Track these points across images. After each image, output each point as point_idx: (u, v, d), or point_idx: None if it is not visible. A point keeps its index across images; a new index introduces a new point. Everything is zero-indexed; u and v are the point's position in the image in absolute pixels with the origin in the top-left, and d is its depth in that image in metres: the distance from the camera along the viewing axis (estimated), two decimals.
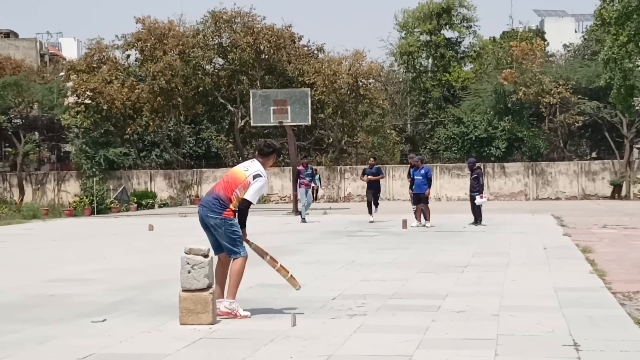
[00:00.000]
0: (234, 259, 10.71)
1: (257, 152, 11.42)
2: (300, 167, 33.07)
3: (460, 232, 24.95)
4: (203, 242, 10.84)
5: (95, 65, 59.99)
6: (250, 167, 11.04)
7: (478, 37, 72.40)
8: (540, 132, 60.62)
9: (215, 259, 10.79)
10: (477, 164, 30.19)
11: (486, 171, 55.38)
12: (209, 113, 63.46)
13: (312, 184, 33.92)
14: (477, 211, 28.37)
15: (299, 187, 32.74)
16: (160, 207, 54.24)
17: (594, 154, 65.20)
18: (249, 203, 10.93)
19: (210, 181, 59.17)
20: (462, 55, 72.31)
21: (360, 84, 59.36)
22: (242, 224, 10.94)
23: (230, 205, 10.79)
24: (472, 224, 28.20)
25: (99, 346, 9.04)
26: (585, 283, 13.34)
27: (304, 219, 32.05)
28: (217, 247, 10.91)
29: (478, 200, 28.25)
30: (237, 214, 10.85)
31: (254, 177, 10.88)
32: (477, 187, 28.55)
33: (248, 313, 10.67)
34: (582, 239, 21.50)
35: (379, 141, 62.24)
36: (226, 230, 10.70)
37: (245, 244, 10.98)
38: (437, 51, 70.10)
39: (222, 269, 10.95)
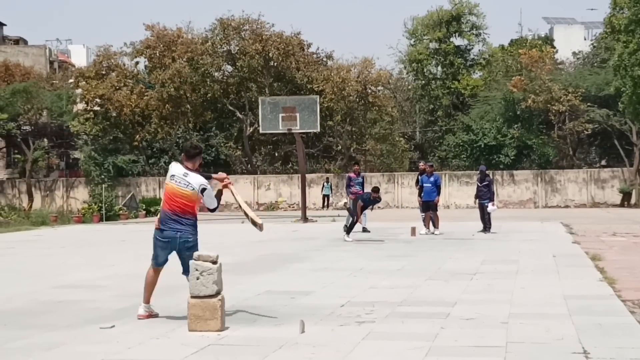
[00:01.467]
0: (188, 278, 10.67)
1: (184, 155, 11.51)
2: (352, 174, 29.86)
3: (469, 240, 24.91)
4: (212, 249, 10.84)
5: (104, 72, 60.13)
6: (190, 181, 11.16)
7: (487, 45, 72.40)
8: (549, 139, 60.52)
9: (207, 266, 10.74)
10: (488, 172, 30.17)
11: (495, 179, 55.26)
12: (218, 120, 63.51)
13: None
14: (486, 219, 28.33)
15: (349, 197, 28.99)
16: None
17: (603, 162, 65.05)
18: (215, 208, 11.72)
19: (220, 188, 59.17)
20: (471, 62, 72.31)
21: (369, 91, 59.37)
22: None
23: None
24: (481, 231, 28.16)
25: (108, 352, 9.04)
26: (594, 291, 13.30)
27: (346, 226, 27.96)
28: (164, 261, 11.26)
29: (490, 208, 28.22)
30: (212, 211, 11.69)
31: (202, 191, 11.29)
32: (488, 195, 28.52)
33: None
34: (592, 247, 21.44)
35: (388, 149, 62.22)
36: (194, 251, 10.81)
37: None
38: (447, 59, 70.11)
39: (156, 279, 11.30)
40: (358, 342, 9.40)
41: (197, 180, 11.15)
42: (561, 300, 12.23)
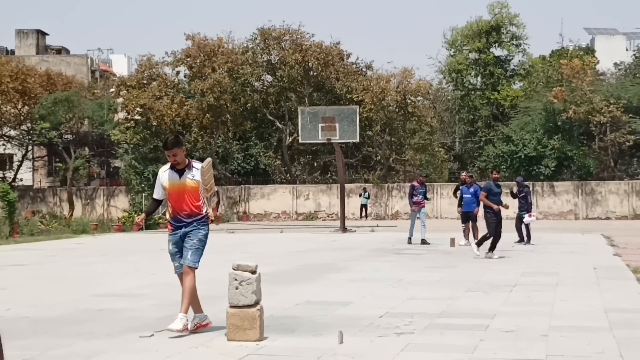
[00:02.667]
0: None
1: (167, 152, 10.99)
2: (415, 183, 29.22)
3: (508, 251, 24.77)
4: (251, 258, 10.86)
5: (145, 82, 60.50)
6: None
7: (527, 55, 72.10)
8: (590, 151, 60.13)
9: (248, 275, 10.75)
10: (526, 183, 30.03)
11: (535, 190, 55.04)
12: (257, 130, 63.74)
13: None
14: (526, 230, 28.21)
15: (412, 206, 28.87)
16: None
17: None
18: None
19: (258, 198, 59.40)
20: (511, 73, 72.03)
21: (409, 101, 59.36)
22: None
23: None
24: (518, 242, 28.08)
25: None
26: (636, 304, 13.18)
27: (409, 239, 28.75)
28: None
29: (527, 219, 28.08)
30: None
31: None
32: (525, 206, 28.42)
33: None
34: (633, 260, 21.24)
35: (427, 159, 62.12)
36: (196, 238, 10.95)
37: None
38: (486, 69, 69.91)
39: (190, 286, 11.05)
40: (397, 353, 9.38)
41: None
42: (602, 313, 12.13)
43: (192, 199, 10.78)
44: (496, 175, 23.85)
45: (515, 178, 33.42)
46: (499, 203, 22.67)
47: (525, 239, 28.26)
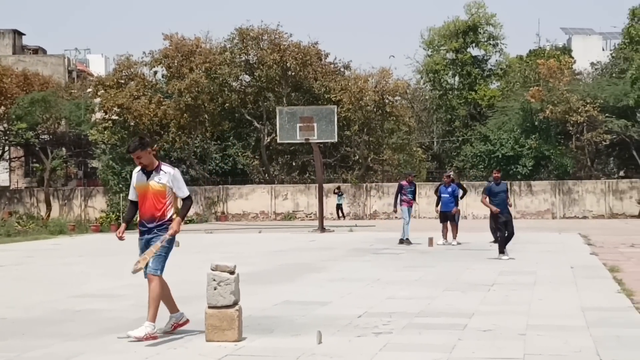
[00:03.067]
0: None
1: (134, 154, 10.87)
2: (404, 182, 29.05)
3: (486, 251, 24.85)
4: (229, 258, 10.85)
5: (123, 82, 60.25)
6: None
7: (505, 55, 72.35)
8: (567, 150, 60.39)
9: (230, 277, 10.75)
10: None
11: (513, 189, 55.21)
12: (235, 130, 63.63)
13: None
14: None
15: (400, 205, 28.59)
16: (186, 223, 54.18)
17: (621, 173, 64.89)
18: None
19: (236, 198, 59.32)
20: (488, 73, 72.22)
21: (387, 101, 59.37)
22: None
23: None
24: (493, 242, 28.25)
25: None
26: (613, 303, 13.26)
27: (407, 239, 28.30)
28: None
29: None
30: None
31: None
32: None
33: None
34: (610, 258, 21.37)
35: (405, 159, 62.20)
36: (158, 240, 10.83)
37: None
38: (464, 69, 70.10)
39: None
40: (375, 353, 9.40)
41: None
42: (579, 312, 12.21)
43: (155, 203, 10.64)
44: (497, 175, 23.13)
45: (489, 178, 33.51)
46: (503, 202, 22.26)
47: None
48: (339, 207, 57.40)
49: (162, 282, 10.70)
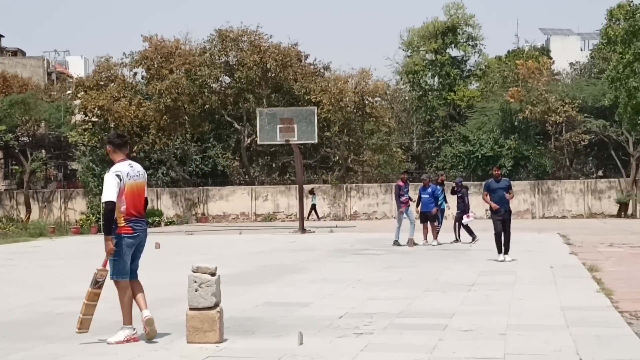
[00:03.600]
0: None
1: (111, 148, 11.05)
2: (400, 183, 28.24)
3: (466, 251, 24.94)
4: (210, 260, 10.86)
5: (103, 83, 60.06)
6: (139, 170, 10.83)
7: (484, 56, 72.50)
8: (546, 150, 60.62)
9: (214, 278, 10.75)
10: (463, 184, 30.27)
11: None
12: (216, 131, 63.52)
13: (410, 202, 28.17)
14: (467, 230, 28.38)
15: (399, 208, 27.79)
16: (166, 225, 54.15)
17: (600, 173, 65.18)
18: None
19: (217, 199, 59.25)
20: (467, 73, 72.31)
21: (366, 102, 59.41)
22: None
23: None
24: (454, 242, 28.54)
25: None
26: (592, 302, 13.34)
27: (397, 241, 27.56)
28: (133, 271, 10.75)
29: (465, 220, 28.32)
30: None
31: (144, 175, 10.89)
32: (462, 207, 28.69)
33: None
34: (589, 258, 21.47)
35: (385, 159, 62.28)
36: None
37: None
38: (443, 70, 70.16)
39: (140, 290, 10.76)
40: (356, 353, 9.43)
41: (139, 166, 10.89)
42: (559, 312, 12.27)
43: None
44: (497, 172, 22.56)
45: (466, 178, 33.64)
46: (501, 199, 21.84)
47: (471, 237, 28.27)
48: (313, 207, 57.39)
49: (123, 285, 10.59)
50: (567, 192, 56.99)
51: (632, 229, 38.45)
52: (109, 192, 10.35)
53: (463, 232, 28.61)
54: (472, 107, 65.84)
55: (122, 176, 10.50)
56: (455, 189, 29.52)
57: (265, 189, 59.88)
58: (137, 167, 10.78)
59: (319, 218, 56.73)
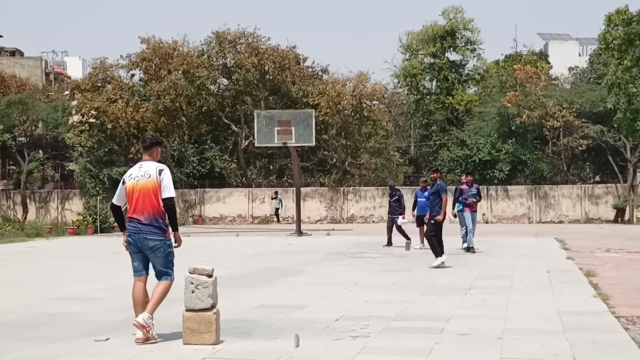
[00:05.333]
0: (163, 280, 10.62)
1: (142, 147, 11.07)
2: (463, 186, 27.11)
3: (462, 255, 24.93)
4: (207, 262, 10.85)
5: (99, 85, 60.06)
6: (148, 170, 10.68)
7: (482, 60, 72.50)
8: (543, 155, 60.62)
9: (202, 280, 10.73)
10: (397, 187, 30.48)
11: (489, 194, 55.44)
12: (213, 133, 63.47)
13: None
14: (401, 232, 28.37)
15: (463, 212, 26.36)
16: None
17: (597, 178, 65.19)
18: (172, 197, 10.58)
19: (214, 201, 59.22)
20: (465, 78, 72.32)
21: (364, 105, 59.43)
22: (175, 225, 10.72)
23: (166, 220, 10.66)
24: (386, 245, 28.73)
25: None
26: (588, 307, 13.33)
27: (472, 247, 25.95)
28: (142, 270, 10.76)
29: (400, 221, 28.42)
30: (168, 216, 10.64)
31: (160, 172, 10.65)
32: (398, 210, 28.82)
33: (159, 338, 10.47)
34: (586, 263, 21.47)
35: (383, 163, 62.29)
36: (165, 251, 10.61)
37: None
38: (441, 74, 70.19)
39: (143, 294, 10.73)
40: (352, 356, 9.42)
41: (152, 165, 10.73)
42: (555, 316, 12.26)
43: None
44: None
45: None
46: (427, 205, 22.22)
47: (405, 240, 28.08)
48: (277, 210, 57.55)
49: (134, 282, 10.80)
50: (564, 197, 56.98)
51: (629, 234, 38.45)
52: (115, 195, 10.92)
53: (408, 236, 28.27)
54: (470, 111, 65.87)
55: (125, 179, 10.73)
56: (391, 192, 29.72)
57: (262, 192, 59.84)
58: (147, 167, 10.70)
59: (278, 221, 56.84)
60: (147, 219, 10.52)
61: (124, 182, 10.70)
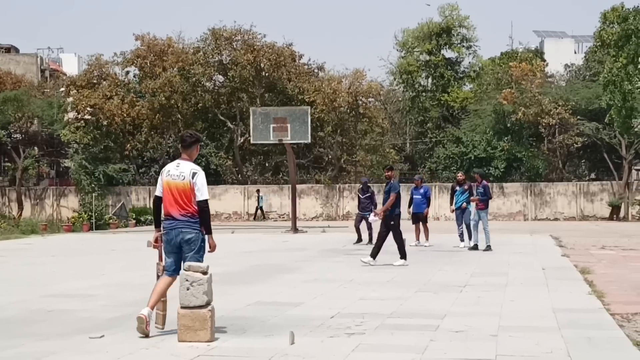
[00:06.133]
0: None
1: (180, 146, 11.17)
2: (476, 183, 26.57)
3: (458, 252, 24.94)
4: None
5: (95, 81, 60.01)
6: (183, 172, 10.74)
7: (478, 57, 72.38)
8: (539, 152, 60.62)
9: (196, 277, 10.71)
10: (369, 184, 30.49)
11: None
12: (209, 130, 63.40)
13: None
14: (368, 230, 28.41)
15: (475, 209, 25.95)
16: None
17: (592, 175, 65.21)
18: (206, 200, 10.82)
19: (209, 198, 59.13)
20: (461, 75, 72.18)
21: (360, 102, 59.42)
22: (209, 228, 10.89)
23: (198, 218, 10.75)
24: (357, 243, 28.75)
25: None
26: (584, 304, 13.34)
27: (489, 246, 25.47)
28: (176, 269, 10.76)
29: (371, 218, 28.31)
30: (200, 218, 10.74)
31: (193, 175, 10.72)
32: (370, 206, 28.78)
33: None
34: (581, 260, 21.48)
35: (378, 160, 62.27)
36: (200, 244, 10.71)
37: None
38: (437, 71, 70.08)
39: (165, 290, 10.79)
40: (348, 353, 9.42)
41: (188, 167, 10.78)
42: (550, 313, 12.27)
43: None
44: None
45: (361, 179, 33.65)
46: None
47: (368, 238, 28.11)
48: (260, 208, 57.68)
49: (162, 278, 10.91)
50: (560, 194, 57.04)
51: (624, 231, 38.49)
52: (156, 188, 11.07)
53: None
54: (466, 108, 65.83)
55: (163, 173, 10.89)
56: (363, 189, 29.71)
57: (258, 189, 59.83)
58: (183, 168, 10.76)
59: (261, 218, 57.00)
60: (181, 215, 10.65)
61: (161, 175, 10.85)
